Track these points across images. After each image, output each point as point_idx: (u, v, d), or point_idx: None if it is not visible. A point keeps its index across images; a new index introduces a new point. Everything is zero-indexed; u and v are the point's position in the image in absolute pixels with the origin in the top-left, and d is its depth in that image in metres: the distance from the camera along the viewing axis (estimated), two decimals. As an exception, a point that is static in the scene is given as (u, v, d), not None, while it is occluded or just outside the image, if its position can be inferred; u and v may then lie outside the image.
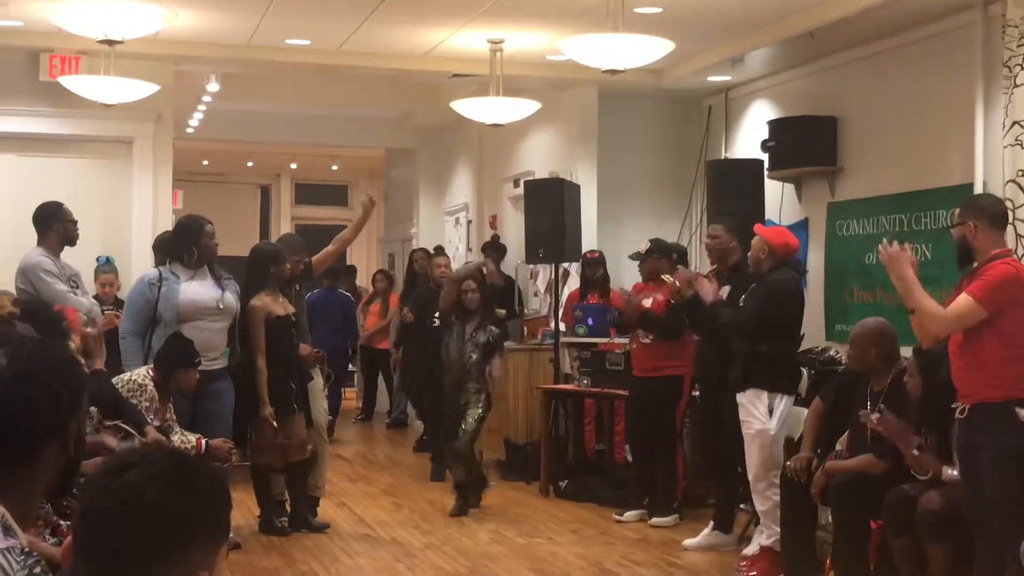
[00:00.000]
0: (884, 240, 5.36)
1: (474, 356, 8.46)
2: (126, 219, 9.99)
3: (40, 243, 7.33)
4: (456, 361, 8.51)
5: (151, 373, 6.41)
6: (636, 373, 8.29)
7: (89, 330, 5.92)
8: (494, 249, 11.49)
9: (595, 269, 9.81)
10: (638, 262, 8.36)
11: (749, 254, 6.95)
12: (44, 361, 2.18)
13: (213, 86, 11.57)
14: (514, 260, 11.74)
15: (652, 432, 8.24)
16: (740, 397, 6.89)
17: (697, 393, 8.06)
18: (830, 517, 6.26)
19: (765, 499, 6.80)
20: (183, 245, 7.24)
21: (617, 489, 8.73)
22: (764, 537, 6.83)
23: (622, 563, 7.11)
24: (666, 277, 7.67)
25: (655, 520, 8.09)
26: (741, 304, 6.89)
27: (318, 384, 8.12)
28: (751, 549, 7.09)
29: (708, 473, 8.26)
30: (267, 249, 7.93)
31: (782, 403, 6.86)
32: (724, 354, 7.12)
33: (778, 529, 6.77)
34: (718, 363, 7.28)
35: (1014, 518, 5.13)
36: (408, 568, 7.01)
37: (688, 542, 7.44)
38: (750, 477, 6.88)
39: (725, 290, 7.22)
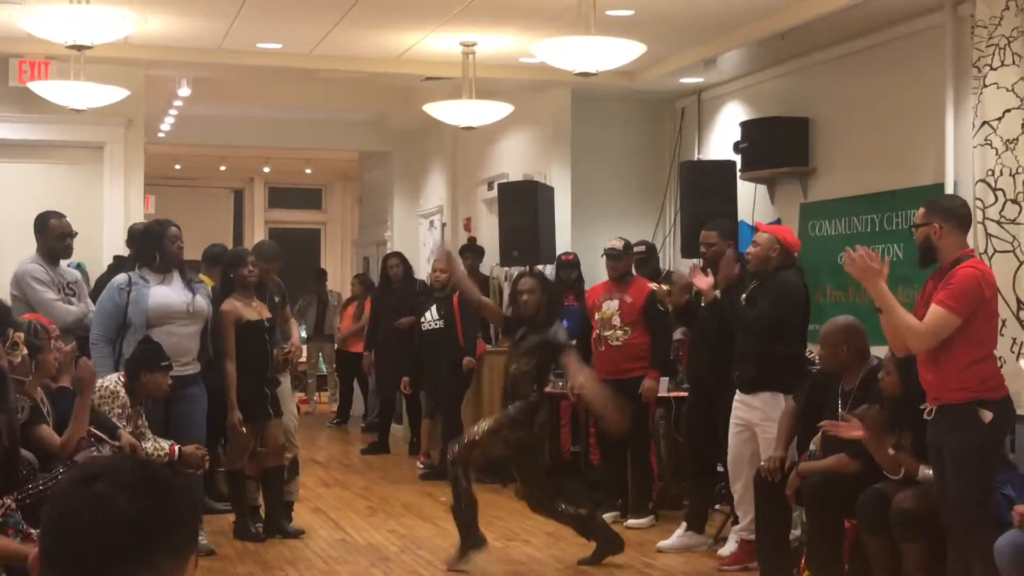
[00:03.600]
0: (848, 249, 5.36)
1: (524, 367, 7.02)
2: (97, 225, 9.94)
3: (37, 250, 7.34)
4: (510, 375, 7.16)
5: (122, 379, 6.38)
6: (602, 376, 8.23)
7: (62, 346, 5.88)
8: (471, 251, 11.50)
9: (570, 271, 9.83)
10: (612, 260, 8.33)
11: (755, 252, 6.86)
12: None
13: (184, 90, 11.55)
14: (489, 262, 11.75)
15: (625, 435, 8.25)
16: (750, 399, 6.86)
17: (678, 394, 8.10)
18: (804, 517, 6.28)
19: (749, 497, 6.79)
20: (147, 249, 7.22)
21: (593, 491, 8.74)
22: (748, 533, 6.85)
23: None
24: (657, 286, 7.72)
25: (631, 522, 8.10)
26: (743, 302, 6.86)
27: (287, 388, 8.12)
28: (727, 549, 7.12)
29: (685, 473, 8.26)
30: (225, 253, 7.96)
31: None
32: (720, 355, 7.11)
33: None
34: (713, 364, 7.28)
35: (975, 517, 5.17)
36: (384, 573, 7.00)
37: (662, 543, 7.45)
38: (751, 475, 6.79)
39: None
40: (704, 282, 7.03)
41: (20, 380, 5.09)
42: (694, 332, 7.60)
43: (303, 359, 12.96)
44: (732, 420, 7.01)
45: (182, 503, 1.86)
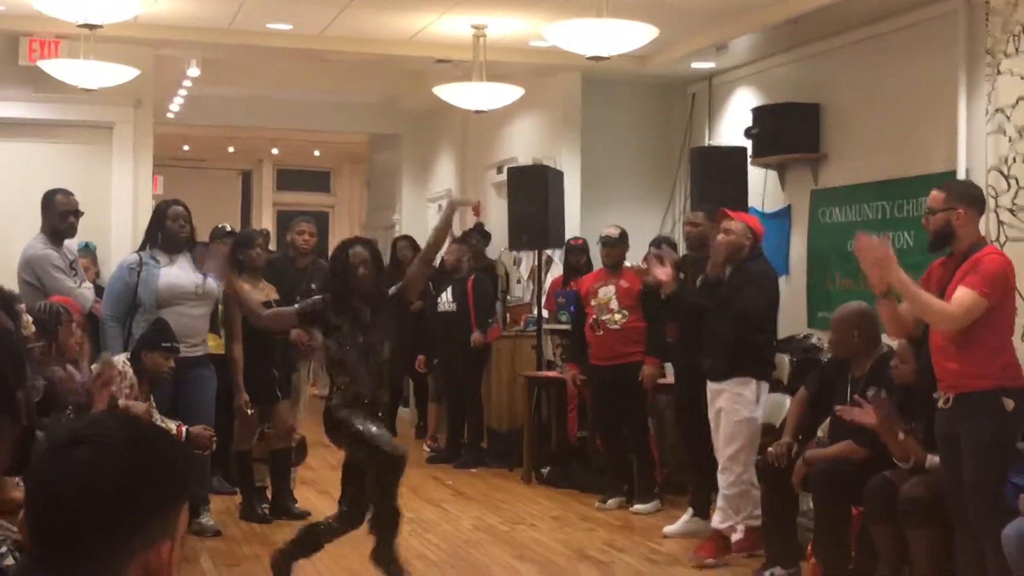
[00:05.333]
0: (858, 235, 5.34)
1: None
2: (105, 205, 9.94)
3: (42, 228, 7.18)
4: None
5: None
6: (599, 362, 8.26)
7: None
8: (479, 235, 11.50)
9: (579, 256, 9.83)
10: (607, 247, 8.36)
11: (730, 240, 6.78)
12: None
13: (194, 71, 11.53)
14: (497, 247, 11.75)
15: (623, 420, 8.26)
16: (721, 385, 6.84)
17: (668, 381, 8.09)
18: (811, 504, 6.28)
19: (739, 484, 6.78)
20: (150, 229, 7.21)
21: (599, 476, 8.76)
22: (717, 519, 6.83)
23: (604, 550, 7.14)
24: (634, 264, 7.68)
25: (636, 507, 8.11)
26: (707, 289, 6.81)
27: (302, 375, 8.15)
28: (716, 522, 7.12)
29: (686, 460, 8.25)
30: (235, 235, 7.96)
31: (765, 391, 6.88)
32: (701, 343, 7.08)
33: (737, 518, 6.79)
34: (698, 352, 7.27)
35: (992, 506, 5.17)
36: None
37: (668, 529, 7.46)
38: (724, 462, 6.80)
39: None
40: (663, 273, 6.89)
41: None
42: (682, 320, 7.51)
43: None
44: (710, 412, 6.95)
45: (170, 459, 1.79)
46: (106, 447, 1.72)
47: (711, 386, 6.92)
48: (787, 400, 7.28)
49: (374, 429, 5.74)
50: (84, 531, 1.69)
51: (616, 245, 8.34)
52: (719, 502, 6.85)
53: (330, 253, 6.42)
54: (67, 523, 1.69)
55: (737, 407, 6.77)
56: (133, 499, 1.71)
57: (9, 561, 2.05)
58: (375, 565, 5.96)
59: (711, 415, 6.96)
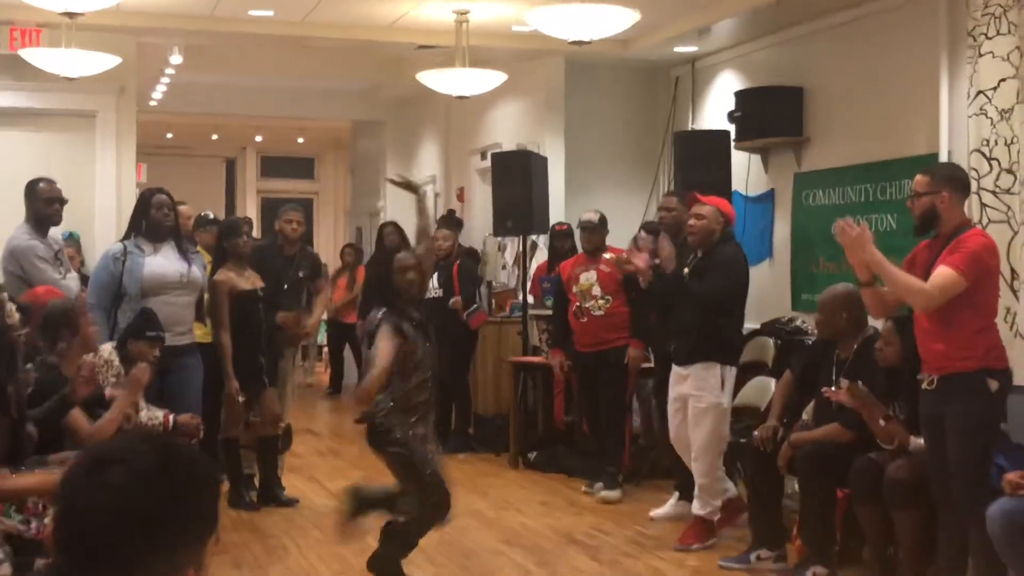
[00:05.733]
0: (838, 220, 5.36)
1: None
2: (89, 193, 9.93)
3: (26, 217, 7.10)
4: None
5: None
6: (583, 349, 8.26)
7: None
8: (451, 223, 11.49)
9: (564, 241, 9.82)
10: (587, 232, 8.37)
11: (701, 225, 6.75)
12: None
13: (176, 58, 11.50)
14: (481, 233, 11.75)
15: (603, 405, 8.27)
16: (687, 370, 6.81)
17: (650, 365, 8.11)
18: (797, 486, 6.32)
19: (710, 470, 6.79)
20: (135, 217, 7.18)
21: (586, 460, 8.77)
22: (697, 506, 6.84)
23: (592, 534, 7.16)
24: (612, 256, 7.69)
25: (603, 494, 8.08)
26: (686, 275, 6.79)
27: (288, 364, 8.17)
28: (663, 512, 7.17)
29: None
30: (220, 223, 7.94)
31: (731, 376, 6.86)
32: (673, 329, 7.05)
33: (716, 503, 6.82)
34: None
35: (977, 486, 5.20)
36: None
37: (655, 512, 7.48)
38: (696, 451, 6.80)
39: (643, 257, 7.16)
40: (641, 260, 6.85)
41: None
42: (659, 307, 7.48)
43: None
44: (670, 397, 6.97)
45: (201, 488, 1.79)
46: (139, 471, 1.72)
47: (676, 370, 6.91)
48: (772, 383, 7.32)
49: (429, 469, 5.76)
50: (109, 550, 1.69)
51: (595, 230, 8.33)
52: (696, 490, 6.86)
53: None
54: (94, 540, 1.70)
55: (702, 393, 6.75)
56: (160, 525, 1.71)
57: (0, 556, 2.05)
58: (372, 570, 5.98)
59: (670, 399, 6.97)
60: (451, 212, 12.14)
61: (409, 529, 5.94)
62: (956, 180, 5.41)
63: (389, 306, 5.94)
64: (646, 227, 8.72)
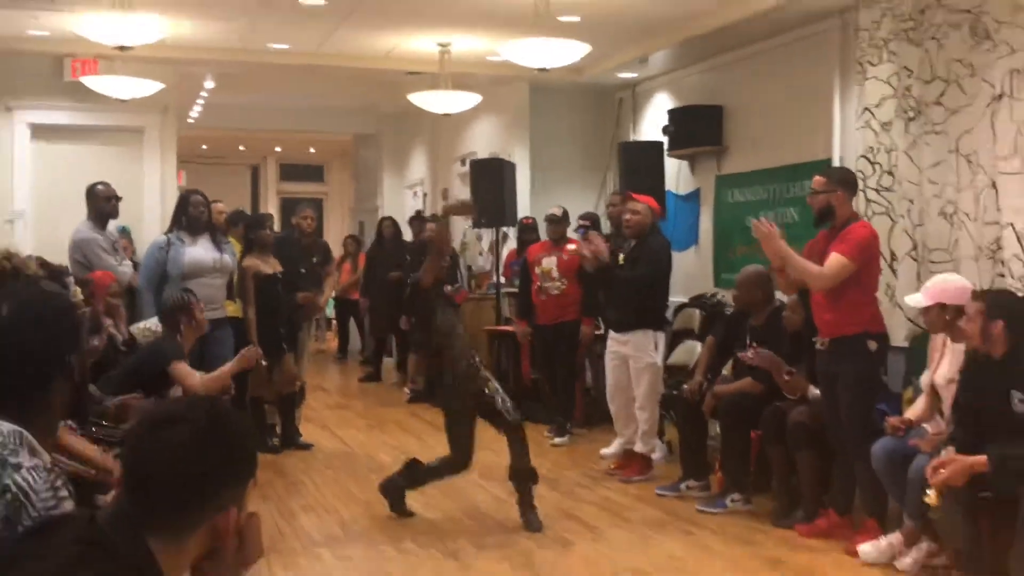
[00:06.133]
0: (752, 219, 5.40)
1: None
2: (139, 195, 9.86)
3: (88, 215, 7.11)
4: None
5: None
6: (543, 323, 8.29)
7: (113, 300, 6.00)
8: (418, 221, 11.51)
9: (529, 233, 9.83)
10: (552, 224, 8.37)
11: (636, 219, 6.76)
12: (43, 309, 2.17)
13: (210, 83, 11.44)
14: (463, 226, 11.74)
15: (558, 370, 8.30)
16: (626, 336, 6.82)
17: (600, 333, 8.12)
18: (718, 430, 6.36)
19: (651, 416, 6.83)
20: (176, 214, 7.17)
21: (548, 412, 8.78)
22: (640, 445, 6.87)
23: (553, 469, 7.18)
24: (576, 248, 7.69)
25: (555, 440, 8.11)
26: (622, 262, 6.78)
27: (305, 333, 8.16)
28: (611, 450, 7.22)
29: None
30: (248, 217, 7.93)
31: (661, 340, 6.91)
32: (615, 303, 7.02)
33: (655, 442, 6.88)
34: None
35: (863, 428, 5.26)
36: (379, 477, 6.99)
37: (604, 451, 7.51)
38: (641, 401, 6.82)
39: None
40: (588, 248, 6.80)
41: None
42: (606, 291, 7.36)
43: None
44: (609, 355, 6.97)
45: (246, 442, 1.81)
46: (195, 427, 1.74)
47: (615, 336, 6.92)
48: (698, 346, 7.36)
49: (500, 400, 5.77)
50: (170, 493, 1.71)
51: (559, 222, 8.37)
52: (640, 433, 6.88)
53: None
54: (157, 485, 1.71)
55: (641, 354, 6.78)
56: (211, 471, 1.73)
57: (64, 494, 2.05)
58: (382, 492, 6.00)
59: (608, 358, 6.97)
60: (419, 212, 12.07)
61: (427, 473, 5.95)
62: (847, 181, 5.46)
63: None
64: (583, 217, 8.77)
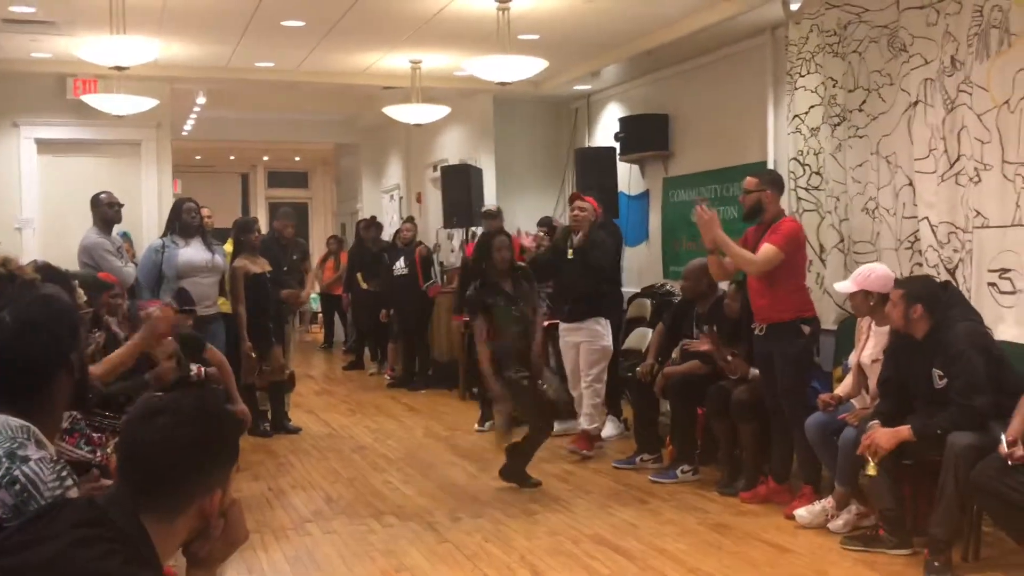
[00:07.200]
0: (696, 206, 5.41)
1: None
2: (137, 203, 9.71)
3: (94, 223, 6.99)
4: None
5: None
6: None
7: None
8: (374, 228, 11.50)
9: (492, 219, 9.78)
10: (488, 219, 8.35)
11: (584, 216, 6.70)
12: (44, 311, 2.15)
13: (201, 99, 11.31)
14: (435, 226, 11.69)
15: None
16: (580, 324, 6.79)
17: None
18: (669, 408, 6.38)
19: (597, 395, 6.82)
20: (171, 219, 7.10)
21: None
22: (587, 422, 6.82)
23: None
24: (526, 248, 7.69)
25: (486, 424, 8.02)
26: (572, 255, 6.72)
27: (290, 327, 8.10)
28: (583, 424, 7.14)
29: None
30: (239, 222, 7.88)
31: (610, 327, 6.90)
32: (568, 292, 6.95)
33: (600, 420, 6.84)
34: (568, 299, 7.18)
35: (798, 404, 5.29)
36: (361, 457, 7.01)
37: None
38: (589, 381, 6.79)
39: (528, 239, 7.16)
40: (527, 241, 6.90)
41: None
42: (555, 283, 7.21)
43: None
44: (564, 343, 6.94)
45: (228, 430, 1.83)
46: (180, 417, 1.75)
47: (566, 326, 6.88)
48: (649, 332, 7.36)
49: (530, 399, 5.76)
50: (159, 477, 1.72)
51: (495, 216, 8.34)
52: (585, 409, 6.84)
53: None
54: (148, 470, 1.72)
55: (593, 339, 6.78)
56: (197, 457, 1.75)
57: (69, 482, 2.02)
58: (505, 479, 5.95)
59: (563, 347, 6.94)
60: (373, 218, 11.96)
61: (524, 446, 5.94)
62: (776, 182, 5.49)
63: (482, 282, 5.85)
64: (540, 222, 8.75)
